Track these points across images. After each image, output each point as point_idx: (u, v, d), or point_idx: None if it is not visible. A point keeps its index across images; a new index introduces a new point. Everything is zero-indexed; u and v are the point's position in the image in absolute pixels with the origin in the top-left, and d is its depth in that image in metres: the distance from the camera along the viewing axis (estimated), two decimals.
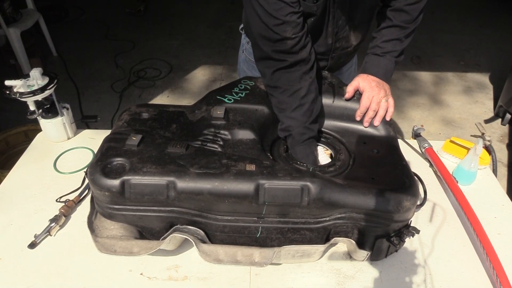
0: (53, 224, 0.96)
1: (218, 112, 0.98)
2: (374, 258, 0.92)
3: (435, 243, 0.98)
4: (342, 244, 0.96)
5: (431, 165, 1.21)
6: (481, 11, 4.84)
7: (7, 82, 1.15)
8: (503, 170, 2.58)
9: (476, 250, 0.97)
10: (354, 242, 0.85)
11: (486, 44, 4.12)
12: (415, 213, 0.96)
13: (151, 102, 3.09)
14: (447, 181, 1.10)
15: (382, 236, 0.86)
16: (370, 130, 1.07)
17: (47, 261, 0.91)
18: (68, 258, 0.92)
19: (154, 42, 3.99)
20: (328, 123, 1.11)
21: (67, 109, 1.26)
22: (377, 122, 1.06)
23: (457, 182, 1.11)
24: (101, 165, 0.84)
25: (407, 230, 0.86)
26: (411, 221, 0.89)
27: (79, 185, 1.10)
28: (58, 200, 1.04)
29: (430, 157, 1.19)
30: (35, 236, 0.95)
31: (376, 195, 0.83)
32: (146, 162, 0.84)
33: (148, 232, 0.89)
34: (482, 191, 1.15)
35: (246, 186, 0.81)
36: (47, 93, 1.15)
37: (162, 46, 3.92)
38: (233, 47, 3.88)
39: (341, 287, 0.88)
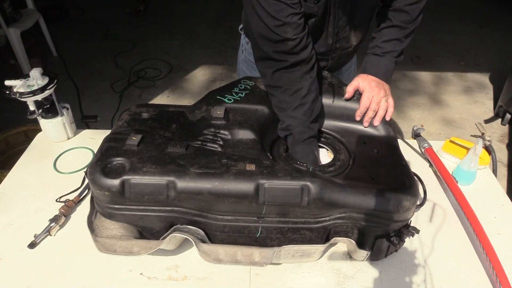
0: (53, 224, 0.96)
1: (218, 112, 0.98)
2: (374, 258, 0.92)
3: (435, 243, 0.98)
4: (342, 244, 0.96)
5: (431, 165, 1.21)
6: (481, 11, 4.84)
7: (7, 82, 1.15)
8: (503, 170, 2.58)
9: (476, 250, 0.97)
10: (354, 242, 0.85)
11: (486, 44, 4.12)
12: (415, 213, 0.96)
13: (151, 102, 3.09)
14: (447, 181, 1.10)
15: (382, 236, 0.86)
16: (370, 130, 1.07)
17: (47, 261, 0.91)
18: (68, 258, 0.92)
19: (154, 42, 3.99)
20: (328, 123, 1.11)
21: (67, 109, 1.26)
22: (377, 122, 1.06)
23: (457, 182, 1.11)
24: (101, 165, 0.84)
25: (407, 230, 0.86)
26: (411, 221, 0.89)
27: (79, 185, 1.10)
28: (58, 200, 1.04)
29: (430, 157, 1.19)
30: (35, 236, 0.94)
31: (376, 195, 0.83)
32: (146, 162, 0.84)
33: (148, 232, 0.89)
34: (482, 191, 1.15)
35: (246, 186, 0.81)
36: (47, 93, 1.16)
37: (162, 46, 3.92)
38: (233, 47, 3.88)
39: (341, 287, 0.88)
